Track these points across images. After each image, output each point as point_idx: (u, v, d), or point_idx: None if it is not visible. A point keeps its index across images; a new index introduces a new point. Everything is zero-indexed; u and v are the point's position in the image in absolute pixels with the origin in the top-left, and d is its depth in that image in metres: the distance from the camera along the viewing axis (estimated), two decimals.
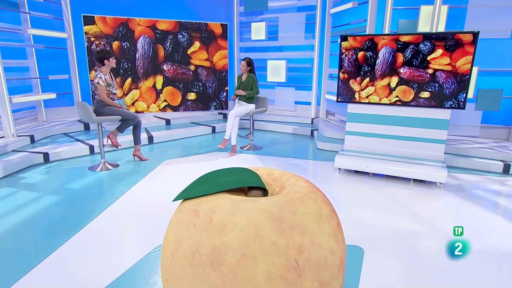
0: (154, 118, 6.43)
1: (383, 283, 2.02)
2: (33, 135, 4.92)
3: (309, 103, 6.90)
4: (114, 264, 2.19)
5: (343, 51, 4.20)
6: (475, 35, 3.57)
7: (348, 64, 4.22)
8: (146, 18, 6.43)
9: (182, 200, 1.50)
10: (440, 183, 3.59)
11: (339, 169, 4.06)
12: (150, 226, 2.74)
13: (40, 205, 3.09)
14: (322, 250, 1.30)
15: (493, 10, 4.50)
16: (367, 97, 4.19)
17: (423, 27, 4.79)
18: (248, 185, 1.48)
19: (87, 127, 5.85)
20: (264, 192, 1.53)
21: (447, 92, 3.80)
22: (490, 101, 4.68)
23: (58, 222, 2.79)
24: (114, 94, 4.10)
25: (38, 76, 5.71)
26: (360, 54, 4.12)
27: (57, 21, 5.94)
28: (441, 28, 4.68)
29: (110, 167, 4.11)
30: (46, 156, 4.30)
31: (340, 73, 4.29)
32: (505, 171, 4.06)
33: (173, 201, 1.50)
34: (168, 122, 6.36)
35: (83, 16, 5.94)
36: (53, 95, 5.57)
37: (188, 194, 1.47)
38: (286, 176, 1.63)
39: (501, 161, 4.16)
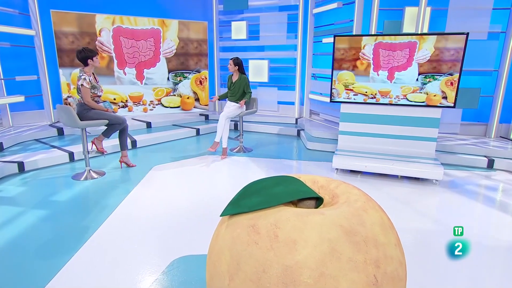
0: (133, 121, 6.08)
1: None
2: (1, 142, 4.45)
3: (292, 103, 6.87)
4: None
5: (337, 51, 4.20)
6: (466, 36, 3.70)
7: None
8: (123, 15, 6.06)
9: (228, 215, 1.36)
10: (436, 180, 3.69)
11: (337, 169, 4.06)
12: (157, 240, 2.53)
13: (25, 222, 2.75)
14: (394, 262, 1.23)
15: (471, 13, 4.72)
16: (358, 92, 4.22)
17: (408, 27, 4.92)
18: (304, 196, 1.37)
19: (60, 132, 5.40)
20: (317, 202, 1.43)
21: None
22: (470, 99, 4.91)
23: (49, 242, 2.48)
24: (99, 96, 3.79)
25: (2, 77, 5.17)
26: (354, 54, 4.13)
27: (23, 17, 5.43)
28: (425, 29, 4.83)
29: (96, 175, 3.80)
30: (21, 165, 3.89)
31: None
32: (489, 166, 4.27)
33: (221, 216, 1.36)
34: (149, 125, 6.05)
35: (52, 11, 5.48)
36: (21, 98, 5.08)
37: (239, 208, 1.33)
38: (334, 184, 1.54)
39: (485, 156, 4.36)
